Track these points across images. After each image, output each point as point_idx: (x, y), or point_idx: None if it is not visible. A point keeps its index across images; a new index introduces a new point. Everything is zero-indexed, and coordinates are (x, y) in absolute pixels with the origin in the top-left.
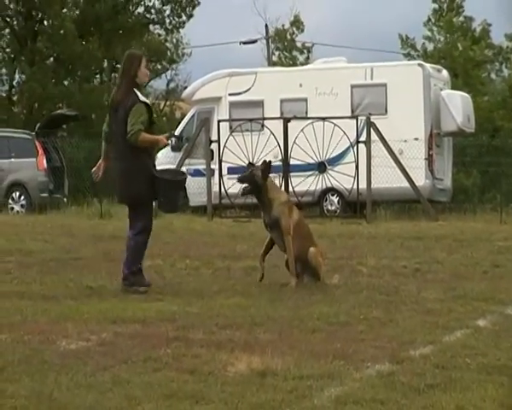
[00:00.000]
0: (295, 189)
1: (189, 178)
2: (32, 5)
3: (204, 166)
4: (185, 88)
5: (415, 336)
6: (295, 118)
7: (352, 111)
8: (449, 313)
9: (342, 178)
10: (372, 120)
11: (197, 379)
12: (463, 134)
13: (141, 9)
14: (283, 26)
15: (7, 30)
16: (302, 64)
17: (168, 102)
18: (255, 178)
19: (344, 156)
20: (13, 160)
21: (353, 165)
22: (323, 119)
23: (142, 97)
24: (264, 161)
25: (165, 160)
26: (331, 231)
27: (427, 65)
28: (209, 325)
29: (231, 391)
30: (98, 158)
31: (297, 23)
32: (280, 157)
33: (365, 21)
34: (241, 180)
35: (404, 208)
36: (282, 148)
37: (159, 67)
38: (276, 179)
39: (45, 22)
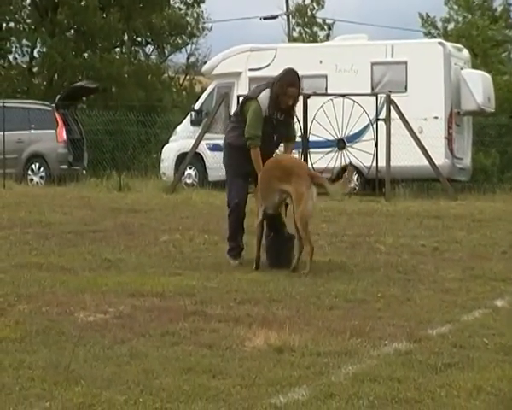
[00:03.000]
0: (314, 165)
1: (207, 152)
2: None
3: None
4: (205, 62)
5: (432, 315)
6: (315, 94)
7: (372, 88)
8: (467, 292)
9: (361, 155)
10: (392, 97)
11: (215, 354)
12: (483, 114)
13: None
14: (304, 1)
15: (28, 1)
16: (323, 41)
17: (188, 77)
18: None
19: (363, 134)
20: (32, 131)
21: (372, 142)
22: (343, 95)
23: (265, 97)
24: None
25: (184, 134)
26: (350, 208)
27: (448, 44)
28: (227, 299)
29: (249, 366)
30: (117, 130)
31: None
32: (299, 133)
33: None
34: None
35: (423, 187)
36: (302, 124)
37: (179, 41)
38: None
39: None
